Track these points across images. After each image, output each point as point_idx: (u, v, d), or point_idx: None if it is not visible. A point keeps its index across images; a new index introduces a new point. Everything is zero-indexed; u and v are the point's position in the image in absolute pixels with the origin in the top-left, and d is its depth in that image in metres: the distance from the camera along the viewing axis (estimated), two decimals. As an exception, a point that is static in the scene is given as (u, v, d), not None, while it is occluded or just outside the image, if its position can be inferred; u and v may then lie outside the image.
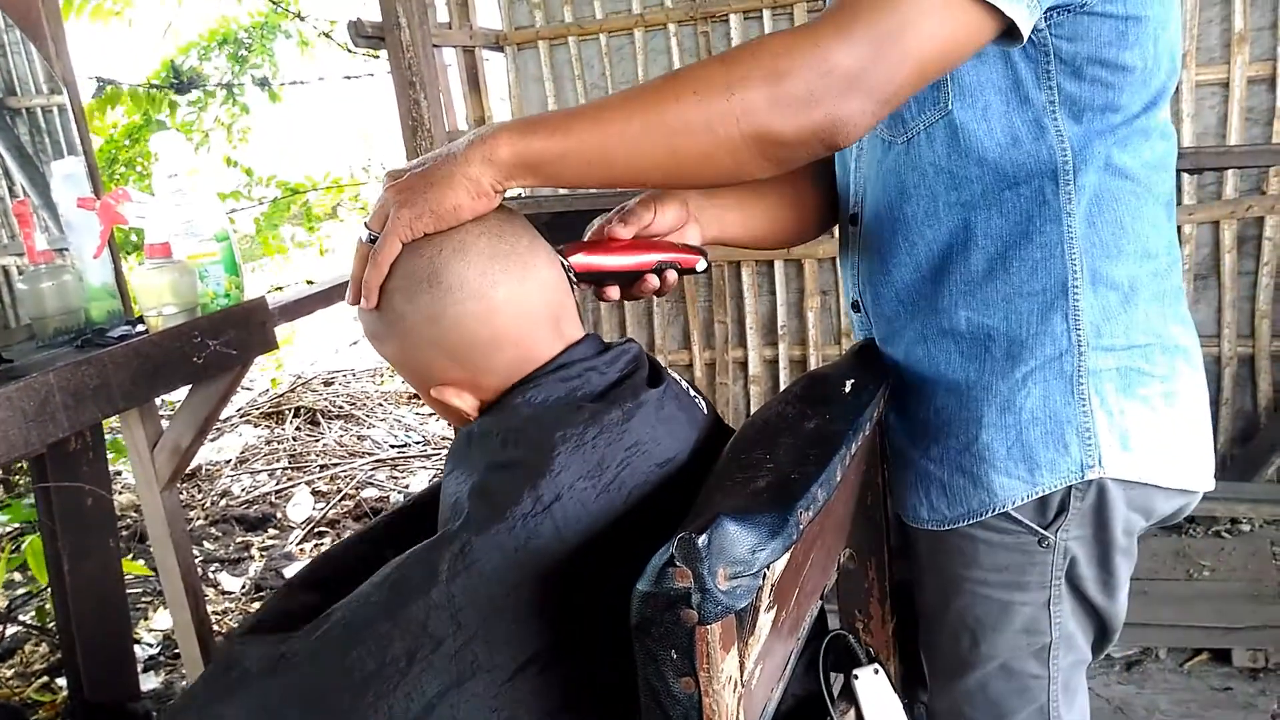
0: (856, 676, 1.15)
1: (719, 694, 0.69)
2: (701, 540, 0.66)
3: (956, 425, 1.08)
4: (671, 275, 1.06)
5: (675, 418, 0.92)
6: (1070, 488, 1.03)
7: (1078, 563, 1.07)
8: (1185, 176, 2.81)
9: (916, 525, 1.14)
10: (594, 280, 1.03)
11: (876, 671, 1.15)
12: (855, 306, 1.20)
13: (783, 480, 0.78)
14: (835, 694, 1.13)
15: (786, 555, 0.74)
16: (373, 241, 0.88)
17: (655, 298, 3.27)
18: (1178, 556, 2.65)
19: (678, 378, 1.00)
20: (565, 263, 0.97)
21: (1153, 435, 1.03)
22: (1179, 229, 2.82)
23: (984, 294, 1.04)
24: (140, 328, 1.66)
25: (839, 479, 0.85)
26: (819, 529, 0.94)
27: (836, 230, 1.26)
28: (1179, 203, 2.83)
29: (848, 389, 1.04)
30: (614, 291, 1.06)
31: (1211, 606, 2.41)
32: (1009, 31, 0.86)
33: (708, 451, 0.93)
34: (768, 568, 0.70)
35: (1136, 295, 1.03)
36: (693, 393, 1.00)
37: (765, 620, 0.79)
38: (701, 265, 1.07)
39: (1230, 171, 2.79)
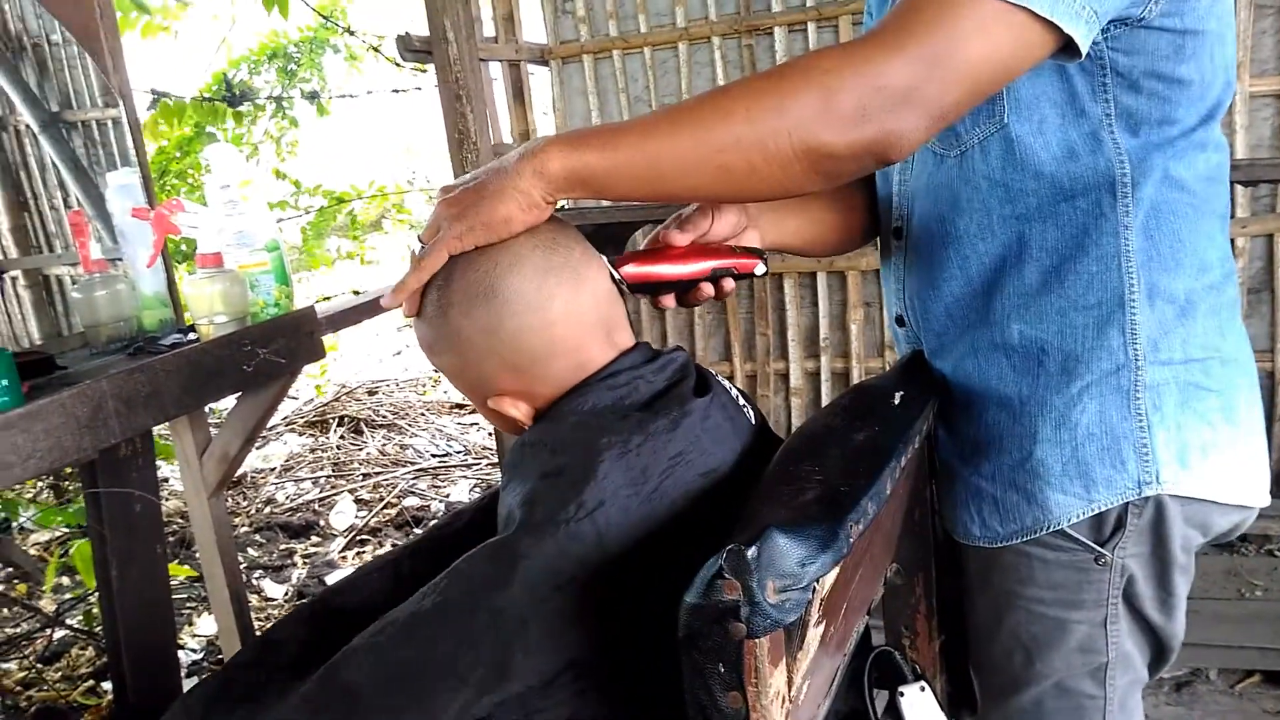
0: (902, 694, 1.14)
1: (767, 709, 0.68)
2: (751, 552, 0.65)
3: (1009, 441, 1.06)
4: (729, 282, 1.05)
5: (721, 427, 0.92)
6: (1127, 505, 1.02)
7: (1135, 581, 1.06)
8: (1239, 189, 2.76)
9: (968, 543, 1.12)
10: (649, 290, 1.02)
11: (923, 689, 1.14)
12: (900, 321, 1.20)
13: (832, 493, 0.77)
14: (880, 712, 1.11)
15: (836, 569, 0.73)
16: None
17: (695, 313, 3.25)
18: (1229, 575, 2.60)
19: (728, 385, 0.99)
20: (616, 274, 0.97)
21: (1211, 450, 1.02)
22: (1232, 242, 2.77)
23: (1038, 307, 1.03)
24: (191, 336, 1.68)
25: (888, 492, 0.85)
26: (867, 543, 0.93)
27: (879, 242, 1.26)
28: (1232, 215, 2.78)
29: (897, 401, 1.03)
30: (669, 300, 1.05)
31: (1265, 627, 2.36)
32: (1067, 47, 0.85)
33: (754, 461, 0.92)
34: (817, 581, 0.69)
35: (1194, 309, 1.01)
36: (741, 401, 1.00)
37: (814, 635, 0.78)
38: (760, 269, 1.05)
39: (1285, 185, 2.74)
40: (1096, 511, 1.02)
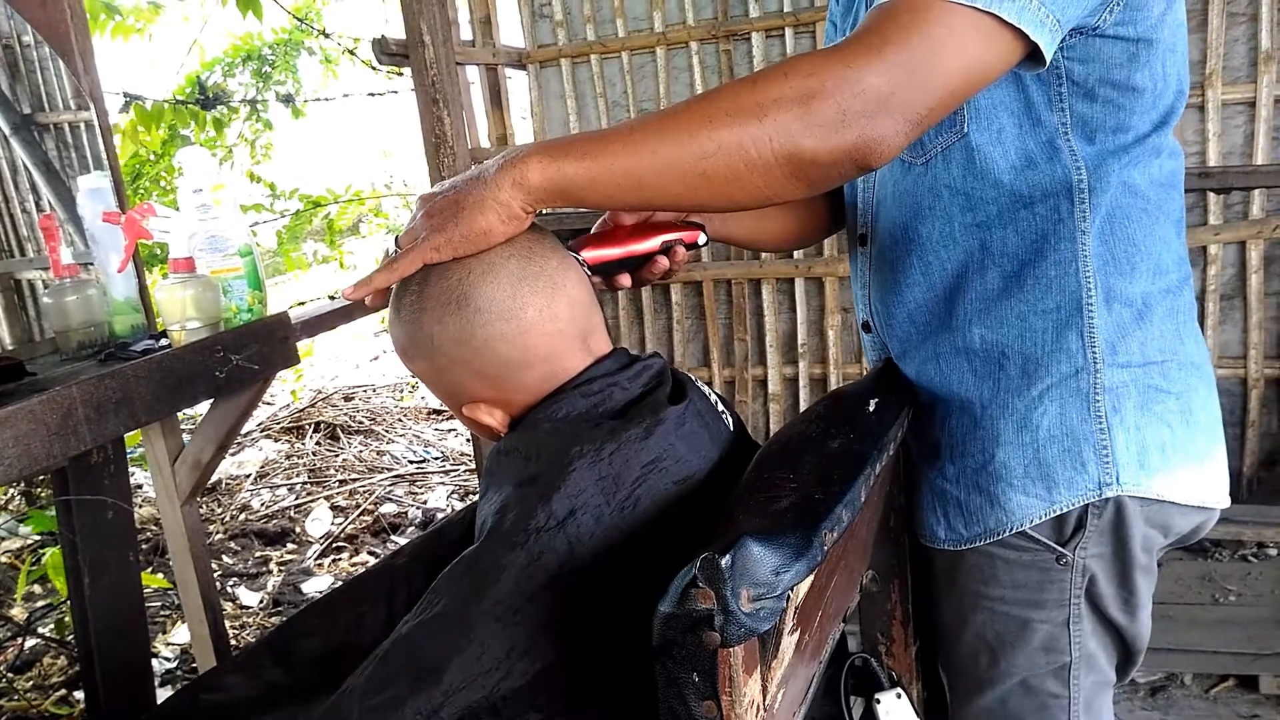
0: (878, 701, 1.14)
1: (741, 718, 0.68)
2: (725, 561, 0.65)
3: (972, 444, 1.08)
4: (680, 251, 1.08)
5: (697, 434, 0.92)
6: (1087, 506, 1.03)
7: (1097, 581, 1.07)
8: (1211, 196, 2.79)
9: (933, 545, 1.13)
10: (605, 271, 1.05)
11: (899, 696, 1.14)
12: (866, 327, 1.21)
13: (806, 500, 0.77)
14: (856, 718, 1.11)
15: (810, 577, 0.73)
16: None
17: (674, 319, 3.25)
18: (1203, 581, 2.61)
19: (706, 391, 0.99)
20: (579, 258, 0.97)
21: (1170, 452, 1.03)
22: (1204, 249, 2.80)
23: (999, 312, 1.05)
24: (163, 342, 1.67)
25: (863, 500, 0.84)
26: (843, 550, 0.93)
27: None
28: (1205, 223, 2.81)
29: (871, 408, 1.03)
30: (625, 279, 1.07)
31: (1238, 632, 2.37)
32: (1031, 56, 0.86)
33: (730, 468, 0.92)
34: (791, 590, 0.69)
35: (1151, 312, 1.03)
36: (720, 407, 0.99)
37: (788, 643, 0.78)
38: (703, 239, 1.09)
39: (1257, 191, 2.76)
40: (1058, 513, 1.03)
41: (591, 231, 1.08)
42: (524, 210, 0.86)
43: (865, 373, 1.24)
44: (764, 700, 0.73)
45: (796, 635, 0.81)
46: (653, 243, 1.06)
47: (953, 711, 1.21)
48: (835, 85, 0.79)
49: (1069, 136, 0.99)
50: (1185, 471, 1.04)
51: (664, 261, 1.07)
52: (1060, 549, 1.05)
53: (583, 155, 0.84)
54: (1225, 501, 1.08)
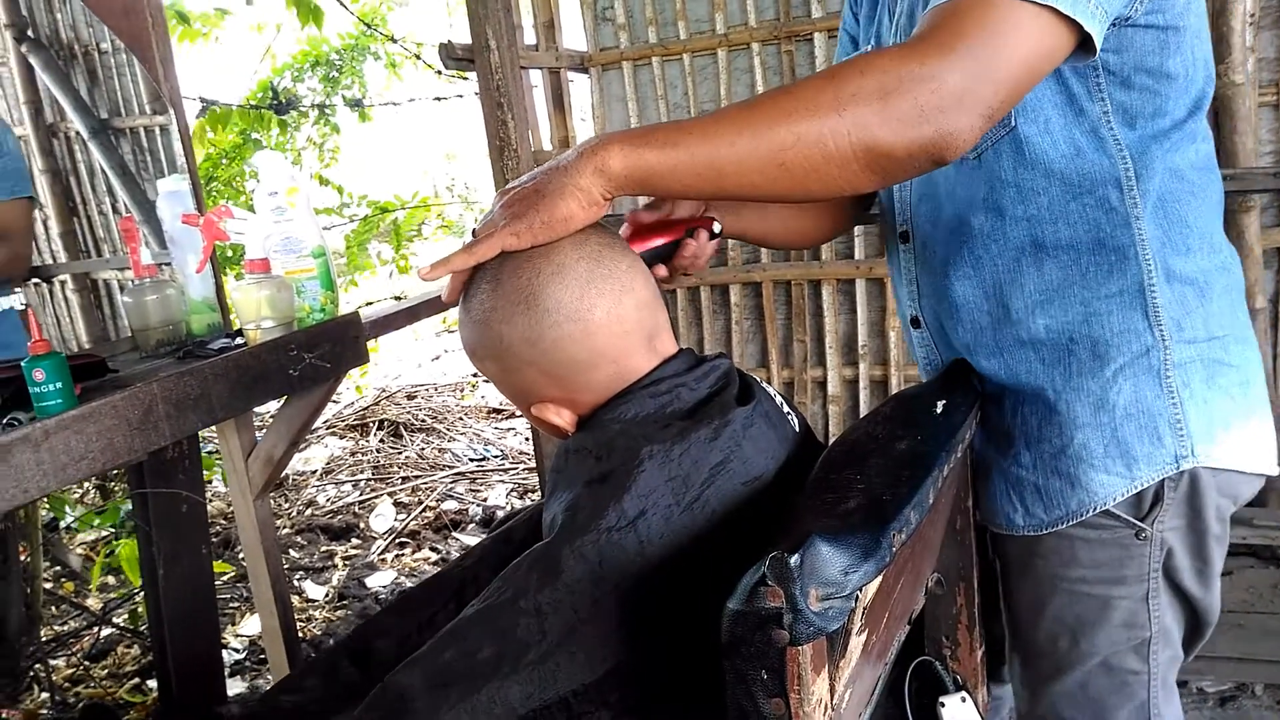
0: (943, 704, 1.14)
1: (809, 716, 0.68)
2: (794, 560, 0.66)
3: (1048, 430, 1.11)
4: (703, 236, 1.12)
5: (764, 435, 0.92)
6: (1164, 479, 1.06)
7: (1174, 554, 1.10)
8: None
9: (1010, 532, 1.15)
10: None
11: (964, 700, 1.14)
12: (915, 323, 1.24)
13: (875, 501, 0.77)
14: (920, 721, 1.11)
15: (879, 578, 0.73)
16: None
17: (732, 320, 3.24)
18: (1276, 590, 2.55)
19: (772, 392, 1.00)
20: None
21: (1234, 422, 1.07)
22: (1278, 250, 2.74)
23: (1062, 301, 1.08)
24: (239, 340, 1.71)
25: (931, 502, 0.84)
26: (910, 552, 0.93)
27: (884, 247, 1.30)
28: (1279, 223, 2.74)
29: (939, 410, 1.03)
30: (661, 270, 1.11)
31: (1313, 643, 2.31)
32: (1082, 45, 0.89)
33: (796, 469, 0.92)
34: (860, 590, 0.70)
35: (1210, 289, 1.08)
36: (785, 408, 1.00)
37: (856, 643, 0.78)
38: (718, 227, 1.14)
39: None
40: (1139, 489, 1.07)
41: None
42: (603, 197, 0.87)
43: (919, 372, 1.27)
44: (831, 699, 0.73)
45: (864, 636, 0.81)
46: (673, 234, 1.12)
47: (1027, 705, 1.22)
48: (912, 82, 0.82)
49: (1112, 125, 1.02)
50: (1249, 440, 1.09)
51: (691, 245, 1.11)
52: (1140, 524, 1.08)
53: (664, 144, 0.85)
54: (1276, 469, 1.13)
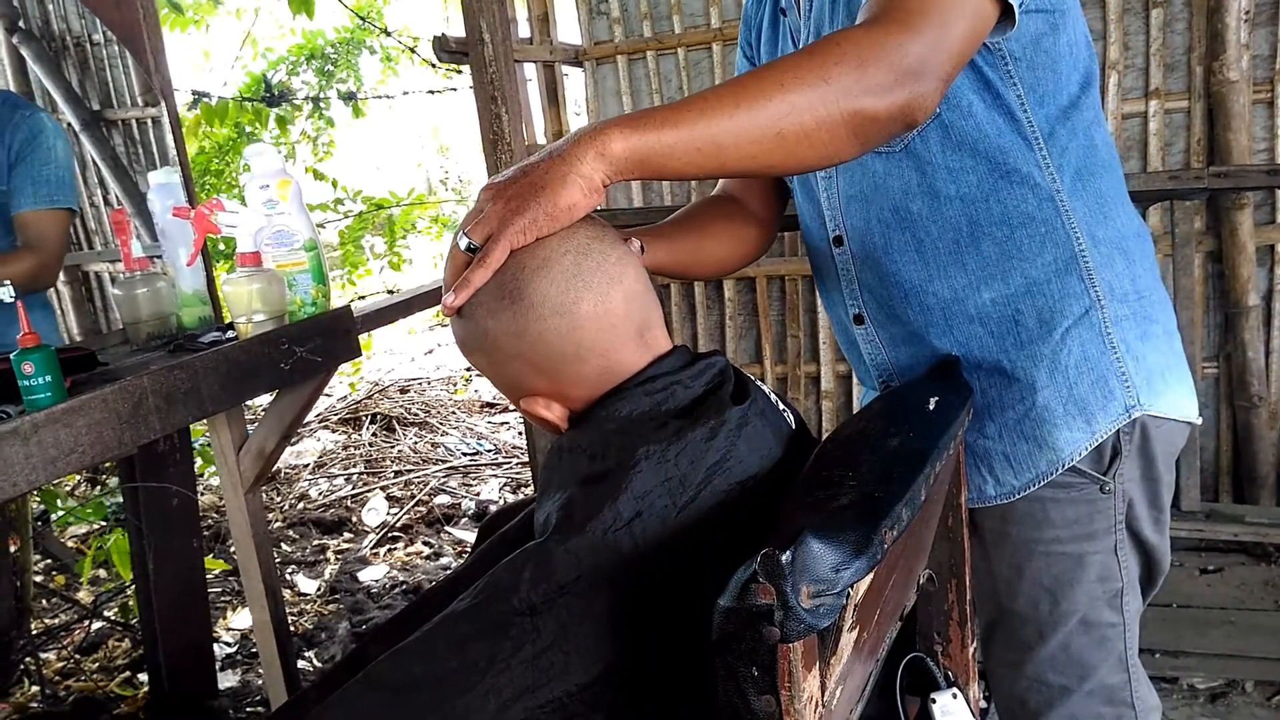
0: (934, 700, 1.14)
1: (800, 713, 0.68)
2: (785, 557, 0.65)
3: (1008, 398, 1.17)
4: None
5: (760, 434, 0.92)
6: (1119, 431, 1.14)
7: (1134, 504, 1.18)
8: (1279, 194, 2.73)
9: (982, 504, 1.21)
10: None
11: (955, 696, 1.14)
12: (858, 320, 1.28)
13: (867, 498, 0.77)
14: (911, 718, 1.11)
15: (870, 575, 0.73)
16: (470, 250, 0.88)
17: (726, 315, 3.24)
18: (1266, 586, 2.56)
19: (767, 390, 0.99)
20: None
21: (1168, 374, 1.17)
22: (1272, 248, 2.74)
23: (1003, 275, 1.15)
24: (230, 334, 1.70)
25: (923, 498, 0.84)
26: (901, 549, 0.93)
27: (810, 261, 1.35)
28: (1273, 220, 2.75)
29: (931, 406, 1.02)
30: None
31: (1302, 639, 2.32)
32: (1005, 17, 0.99)
33: (791, 467, 0.92)
34: (851, 587, 0.69)
35: (1131, 252, 1.17)
36: (781, 405, 0.99)
37: (847, 640, 0.78)
38: (636, 244, 1.13)
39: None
40: (1099, 441, 1.14)
41: None
42: (604, 182, 0.88)
43: (857, 371, 1.33)
44: (822, 696, 0.73)
45: (855, 633, 0.81)
46: None
47: (1008, 681, 1.26)
48: (883, 52, 0.89)
49: (1026, 107, 1.11)
50: (1179, 390, 1.18)
51: None
52: (1103, 478, 1.15)
53: (662, 124, 0.87)
54: (1199, 419, 1.22)
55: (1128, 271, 1.16)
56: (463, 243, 0.89)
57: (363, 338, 2.01)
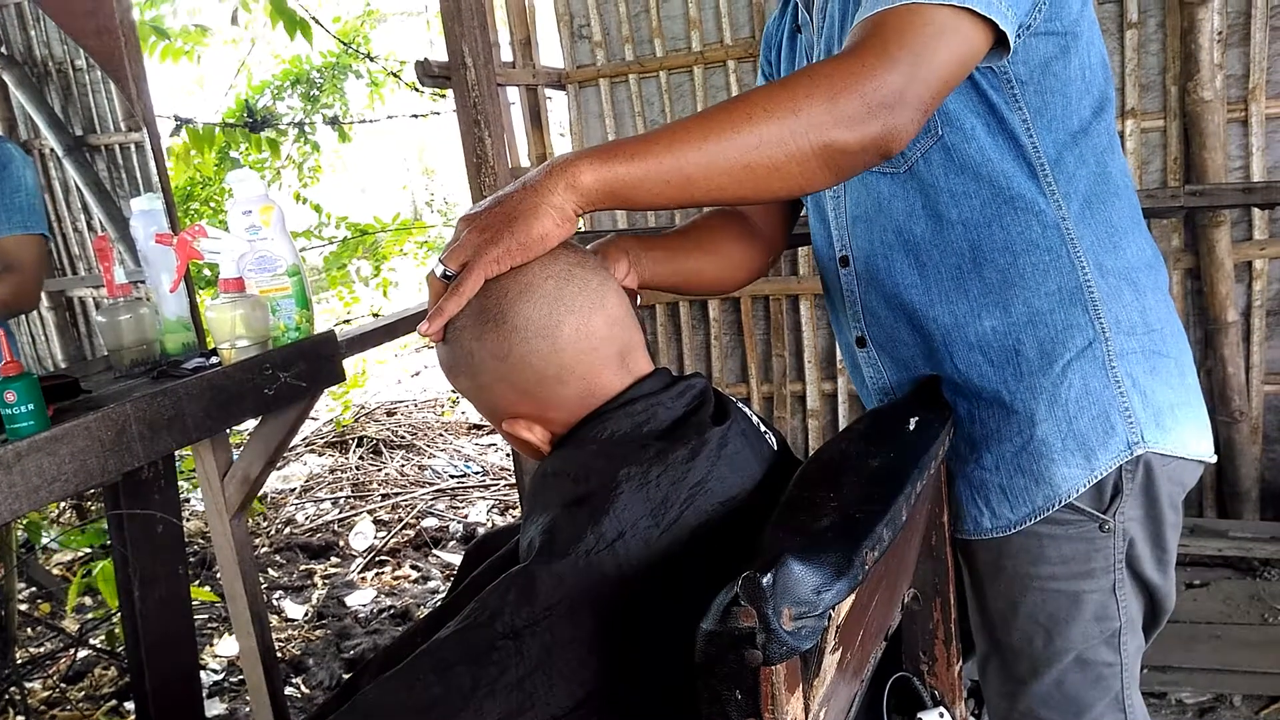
0: (921, 719, 1.14)
1: (783, 735, 0.68)
2: (766, 580, 0.66)
3: (1007, 429, 1.14)
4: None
5: (741, 454, 0.92)
6: (1121, 468, 1.10)
7: (1135, 544, 1.14)
8: (1256, 211, 2.75)
9: (978, 536, 1.18)
10: None
11: (941, 715, 1.14)
12: (860, 342, 1.26)
13: (847, 519, 0.77)
14: (898, 737, 1.11)
15: (852, 596, 0.73)
16: (447, 278, 0.90)
17: (711, 335, 3.25)
18: (1252, 600, 2.57)
19: (747, 411, 1.00)
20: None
21: (1178, 410, 1.12)
22: (1249, 264, 2.77)
23: (1004, 302, 1.12)
24: (213, 360, 1.70)
25: (904, 518, 0.85)
26: (884, 569, 0.94)
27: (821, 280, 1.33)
28: (1249, 238, 2.78)
29: (912, 426, 1.03)
30: None
31: (1289, 653, 2.33)
32: (999, 44, 0.97)
33: (774, 488, 0.92)
34: (833, 609, 0.70)
35: (1141, 284, 1.13)
36: (763, 427, 1.00)
37: (830, 662, 0.79)
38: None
39: (1305, 206, 2.73)
40: (1098, 478, 1.10)
41: None
42: (575, 212, 0.89)
43: (862, 394, 1.30)
44: (806, 718, 0.73)
45: (838, 654, 0.81)
46: None
47: (1003, 711, 1.24)
48: (855, 83, 0.88)
49: (1032, 132, 1.08)
50: (1190, 427, 1.13)
51: None
52: (1102, 516, 1.12)
53: (631, 156, 0.87)
54: (1214, 456, 1.17)
55: (1136, 303, 1.12)
56: (439, 271, 0.91)
57: (359, 367, 2.01)
